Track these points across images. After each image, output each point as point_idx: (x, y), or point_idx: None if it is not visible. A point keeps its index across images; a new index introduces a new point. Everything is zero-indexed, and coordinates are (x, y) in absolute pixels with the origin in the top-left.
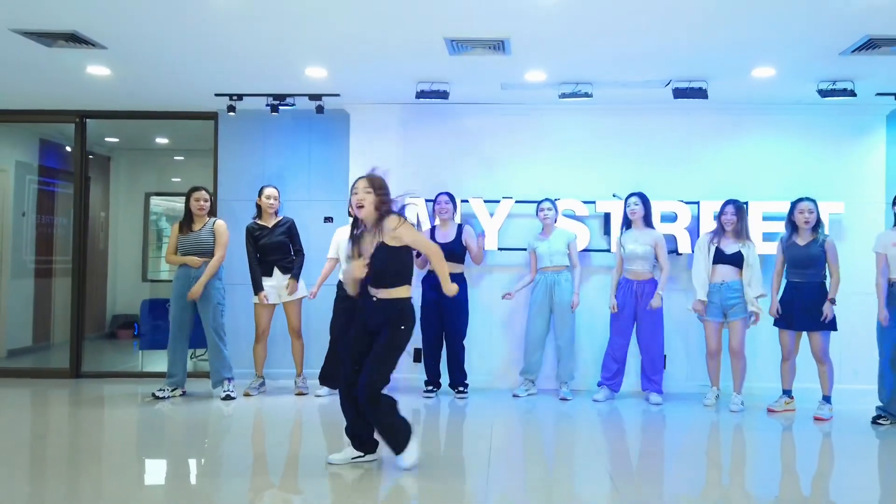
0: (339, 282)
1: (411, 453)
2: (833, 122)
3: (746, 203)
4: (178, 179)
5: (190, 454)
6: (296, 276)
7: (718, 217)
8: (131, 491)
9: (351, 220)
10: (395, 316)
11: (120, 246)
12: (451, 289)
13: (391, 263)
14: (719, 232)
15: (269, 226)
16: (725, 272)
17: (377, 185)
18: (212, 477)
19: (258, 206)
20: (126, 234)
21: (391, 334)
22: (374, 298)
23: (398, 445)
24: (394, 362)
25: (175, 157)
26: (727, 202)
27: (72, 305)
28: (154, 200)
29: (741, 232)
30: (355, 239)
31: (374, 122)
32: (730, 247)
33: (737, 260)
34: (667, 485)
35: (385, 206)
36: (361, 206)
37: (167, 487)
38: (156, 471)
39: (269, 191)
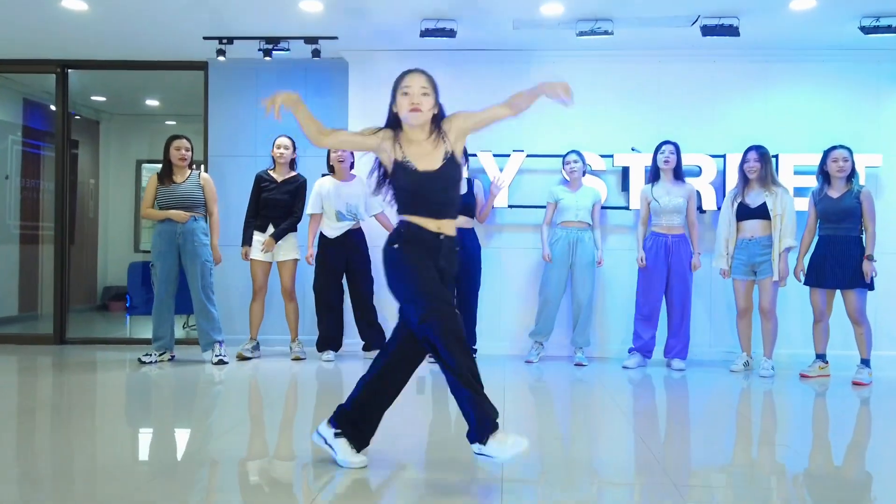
0: (321, 235)
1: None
2: (871, 69)
3: (777, 156)
4: None
5: (177, 423)
6: (275, 236)
7: (741, 166)
8: (113, 461)
9: (330, 173)
10: (466, 251)
11: (111, 215)
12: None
13: (459, 183)
14: (743, 184)
15: (279, 180)
16: (753, 227)
17: (435, 86)
18: (199, 447)
19: (273, 157)
20: (117, 202)
21: (476, 275)
22: (441, 236)
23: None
24: None
25: (167, 122)
26: (749, 148)
27: (55, 272)
28: (146, 168)
29: (766, 179)
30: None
31: (375, 71)
32: (755, 199)
33: (764, 212)
34: (693, 454)
35: (440, 113)
36: (418, 111)
37: (150, 457)
38: (140, 439)
39: (280, 140)
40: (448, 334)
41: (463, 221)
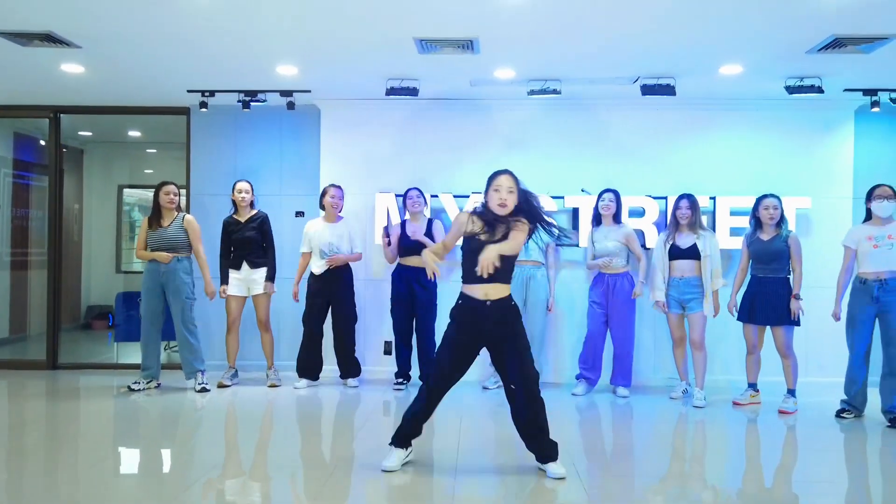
0: (311, 274)
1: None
2: (801, 117)
3: (714, 198)
4: (151, 171)
5: (165, 446)
6: (271, 278)
7: (673, 212)
8: (105, 482)
9: (322, 213)
10: (515, 313)
11: (94, 238)
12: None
13: (512, 258)
14: (673, 227)
15: (243, 220)
16: (683, 267)
17: (518, 183)
18: (185, 468)
19: (233, 201)
20: (100, 225)
21: (522, 332)
22: (488, 302)
23: (552, 451)
24: (530, 351)
25: (148, 150)
26: (681, 196)
27: (48, 297)
28: (127, 192)
29: (695, 224)
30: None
31: (345, 117)
32: (686, 240)
33: (694, 253)
34: (631, 477)
35: (519, 208)
36: (504, 206)
37: (140, 479)
38: (131, 462)
39: (239, 185)
40: (426, 388)
41: (419, 261)
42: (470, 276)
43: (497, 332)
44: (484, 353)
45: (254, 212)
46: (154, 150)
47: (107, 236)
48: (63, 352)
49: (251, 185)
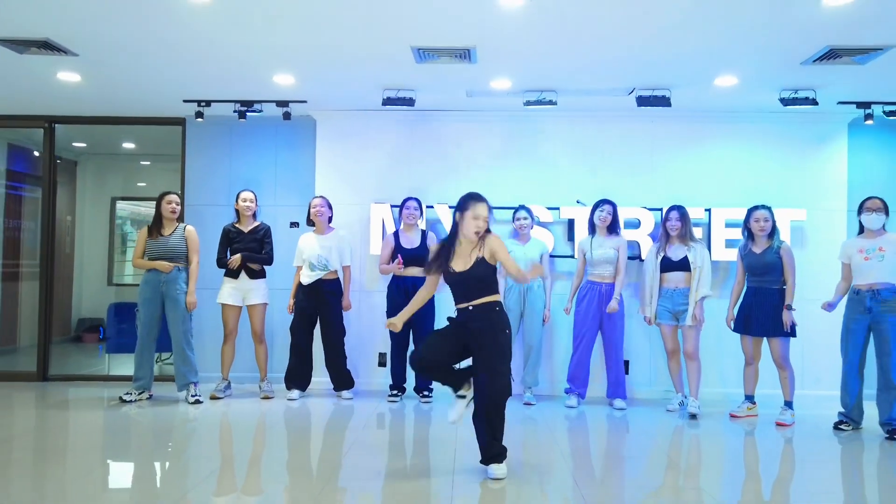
0: (300, 285)
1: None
2: (795, 130)
3: (709, 210)
4: (144, 184)
5: (157, 458)
6: (250, 259)
7: (663, 224)
8: (96, 494)
9: (313, 228)
10: (497, 319)
11: (86, 250)
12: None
13: (488, 275)
14: (664, 239)
15: (246, 230)
16: (676, 278)
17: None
18: (178, 480)
19: (236, 211)
20: (92, 238)
21: (500, 339)
22: (470, 307)
23: (496, 453)
24: (509, 362)
25: (142, 162)
26: (671, 208)
27: (39, 309)
28: (120, 205)
29: (685, 235)
30: (441, 253)
31: (341, 128)
32: (677, 252)
33: (686, 265)
34: (628, 489)
35: (487, 228)
36: (479, 234)
37: (132, 491)
38: (122, 475)
39: (244, 194)
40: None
41: (417, 271)
42: (456, 297)
43: (479, 332)
44: None
45: (256, 223)
46: (148, 163)
47: (99, 249)
48: (53, 364)
49: (255, 196)
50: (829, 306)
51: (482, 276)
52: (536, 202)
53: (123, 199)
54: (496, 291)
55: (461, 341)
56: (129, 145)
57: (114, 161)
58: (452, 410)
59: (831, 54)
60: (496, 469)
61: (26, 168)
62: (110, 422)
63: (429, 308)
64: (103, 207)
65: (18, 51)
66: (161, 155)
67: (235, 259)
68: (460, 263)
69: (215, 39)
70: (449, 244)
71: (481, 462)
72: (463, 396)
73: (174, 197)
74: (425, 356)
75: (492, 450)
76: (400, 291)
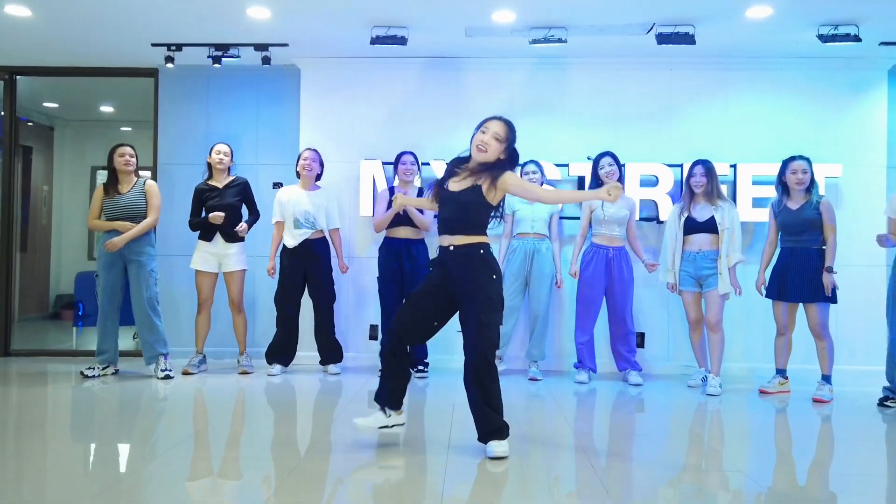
0: (284, 248)
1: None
2: (830, 77)
3: (735, 165)
4: None
5: (120, 439)
6: (248, 223)
7: (687, 181)
8: (49, 480)
9: (300, 181)
10: (481, 263)
11: (64, 222)
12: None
13: (478, 210)
14: (688, 198)
15: (220, 186)
16: (701, 241)
17: (510, 136)
18: (145, 464)
19: (209, 165)
20: (71, 209)
21: (486, 286)
22: (451, 247)
23: (502, 427)
24: (499, 314)
25: (122, 129)
26: (696, 162)
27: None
28: (101, 175)
29: (712, 193)
30: (439, 182)
31: (327, 78)
32: (702, 212)
33: (712, 226)
34: (649, 470)
35: (503, 162)
36: (483, 151)
37: (91, 476)
38: (81, 457)
39: (218, 146)
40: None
41: (412, 233)
42: (439, 226)
43: (462, 279)
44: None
45: (231, 177)
46: (129, 129)
47: (78, 221)
48: (21, 339)
49: (231, 149)
50: (887, 240)
51: (468, 204)
52: (544, 158)
53: (104, 168)
54: (483, 233)
55: (443, 292)
56: (107, 109)
57: (93, 128)
58: (365, 418)
59: None
60: (496, 447)
61: None
62: (71, 398)
63: (425, 272)
64: (82, 177)
65: None
66: (142, 121)
67: (218, 215)
68: (457, 184)
69: None
70: (461, 161)
71: (479, 440)
72: (385, 416)
73: (127, 149)
74: (402, 318)
75: (490, 423)
76: (391, 254)
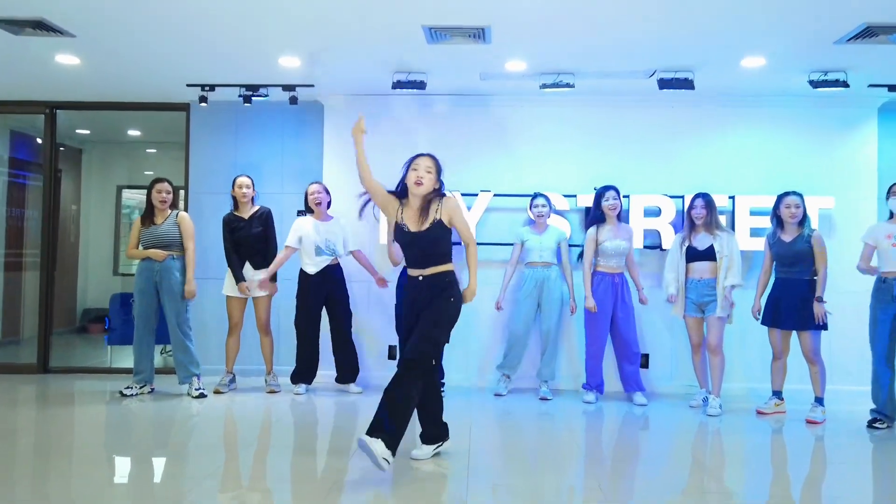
0: (301, 272)
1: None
2: (823, 114)
3: (733, 197)
4: (151, 172)
5: (158, 454)
6: (269, 275)
7: (688, 212)
8: (95, 493)
9: (310, 214)
10: (443, 287)
11: (91, 239)
12: (472, 291)
13: (446, 241)
14: (689, 228)
15: (246, 217)
16: (702, 269)
17: (438, 167)
18: (180, 478)
19: (233, 198)
20: (97, 227)
21: (440, 305)
22: (420, 277)
23: (385, 430)
24: (444, 332)
25: (147, 150)
26: (696, 196)
27: (40, 300)
28: (126, 193)
29: (711, 224)
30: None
31: (349, 113)
32: (703, 242)
33: (712, 254)
34: (651, 489)
35: (440, 189)
36: (420, 184)
37: (131, 489)
38: (122, 471)
39: (240, 180)
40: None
41: None
42: (408, 261)
43: (426, 299)
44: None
45: (256, 208)
46: (154, 150)
47: (104, 238)
48: (56, 356)
49: (252, 181)
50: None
51: (436, 240)
52: (553, 190)
53: (129, 187)
54: (450, 261)
55: (414, 312)
56: (134, 132)
57: (119, 149)
58: (371, 448)
59: (867, 32)
60: (370, 443)
61: (29, 156)
62: (110, 417)
63: None
64: (109, 196)
65: (14, 31)
66: (167, 143)
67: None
68: (414, 222)
69: (218, 19)
70: (399, 194)
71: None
72: (381, 444)
73: (165, 185)
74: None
75: (378, 421)
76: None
